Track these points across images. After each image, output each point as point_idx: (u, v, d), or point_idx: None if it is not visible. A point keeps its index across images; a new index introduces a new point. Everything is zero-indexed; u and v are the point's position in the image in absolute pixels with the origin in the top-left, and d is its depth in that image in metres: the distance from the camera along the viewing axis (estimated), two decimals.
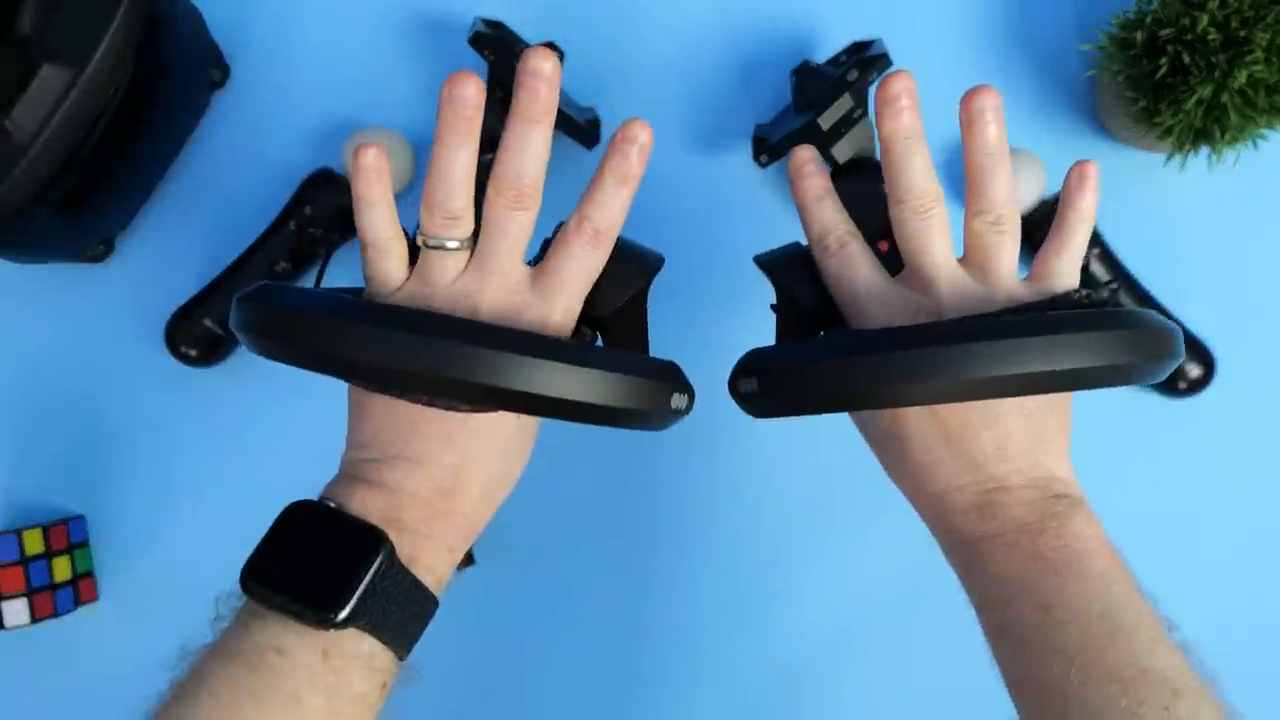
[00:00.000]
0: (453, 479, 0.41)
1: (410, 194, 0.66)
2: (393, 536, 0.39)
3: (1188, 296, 0.65)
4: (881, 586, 0.67)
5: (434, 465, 0.41)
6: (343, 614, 0.37)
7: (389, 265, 0.42)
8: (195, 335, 0.65)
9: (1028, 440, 0.41)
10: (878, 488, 0.66)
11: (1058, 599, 0.39)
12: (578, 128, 0.62)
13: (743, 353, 0.44)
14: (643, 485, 0.67)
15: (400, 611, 0.39)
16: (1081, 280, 0.63)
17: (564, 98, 0.64)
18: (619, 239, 0.43)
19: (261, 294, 0.41)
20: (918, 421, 0.42)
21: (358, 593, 0.37)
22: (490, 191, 0.42)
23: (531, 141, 0.41)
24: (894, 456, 0.44)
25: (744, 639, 0.65)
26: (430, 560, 0.41)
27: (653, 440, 0.67)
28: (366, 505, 0.40)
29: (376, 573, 0.38)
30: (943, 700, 0.66)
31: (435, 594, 0.41)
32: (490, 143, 0.63)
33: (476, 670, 0.65)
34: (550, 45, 0.62)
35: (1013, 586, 0.40)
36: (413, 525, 0.40)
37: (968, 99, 0.43)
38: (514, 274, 0.42)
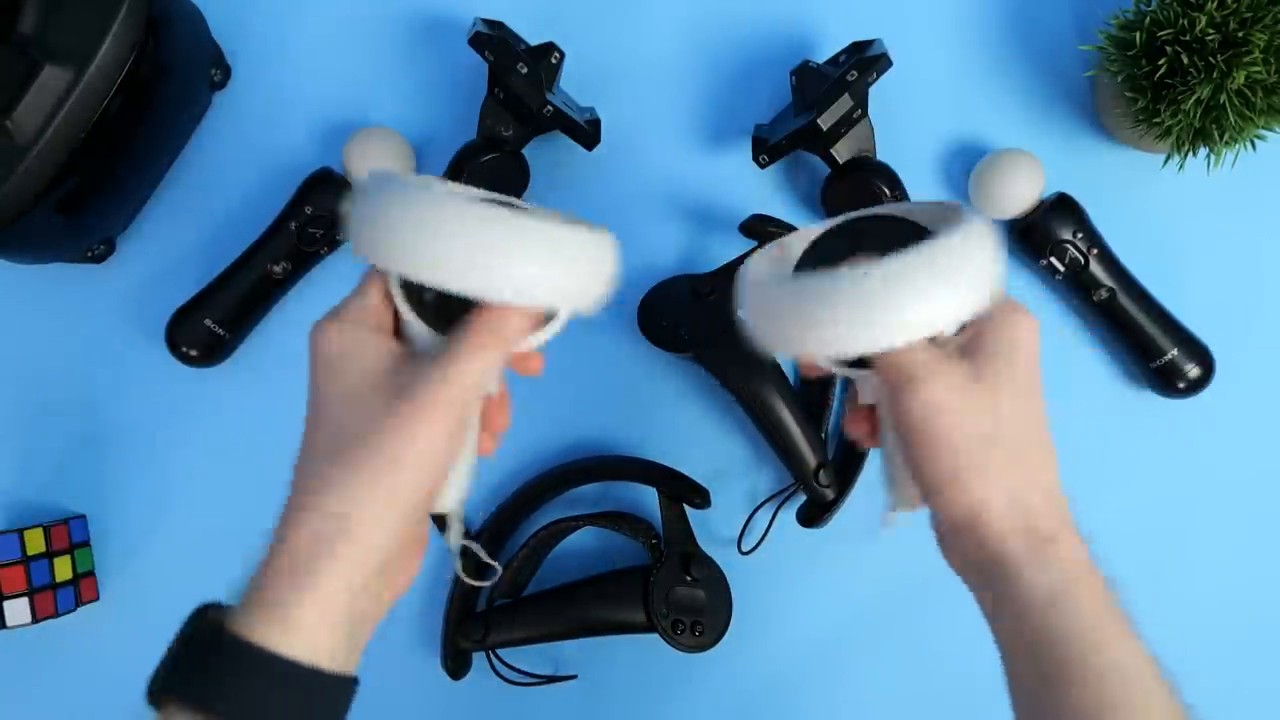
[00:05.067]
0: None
1: None
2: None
3: (1186, 297, 0.65)
4: (880, 589, 0.67)
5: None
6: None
7: None
8: (195, 335, 0.65)
9: None
10: (870, 493, 0.66)
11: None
12: (578, 128, 0.62)
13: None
14: (642, 487, 0.67)
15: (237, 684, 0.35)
16: (1081, 281, 0.64)
17: (564, 97, 0.64)
18: None
19: None
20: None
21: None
22: None
23: None
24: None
25: (742, 641, 0.65)
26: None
27: (653, 439, 0.67)
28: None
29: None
30: (939, 702, 0.66)
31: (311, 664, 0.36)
32: (491, 142, 0.63)
33: (476, 668, 0.65)
34: (550, 45, 0.63)
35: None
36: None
37: None
38: None
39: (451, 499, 0.43)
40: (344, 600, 0.37)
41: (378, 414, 0.38)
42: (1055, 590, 0.38)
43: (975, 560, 0.39)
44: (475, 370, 0.38)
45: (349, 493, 0.37)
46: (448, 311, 0.41)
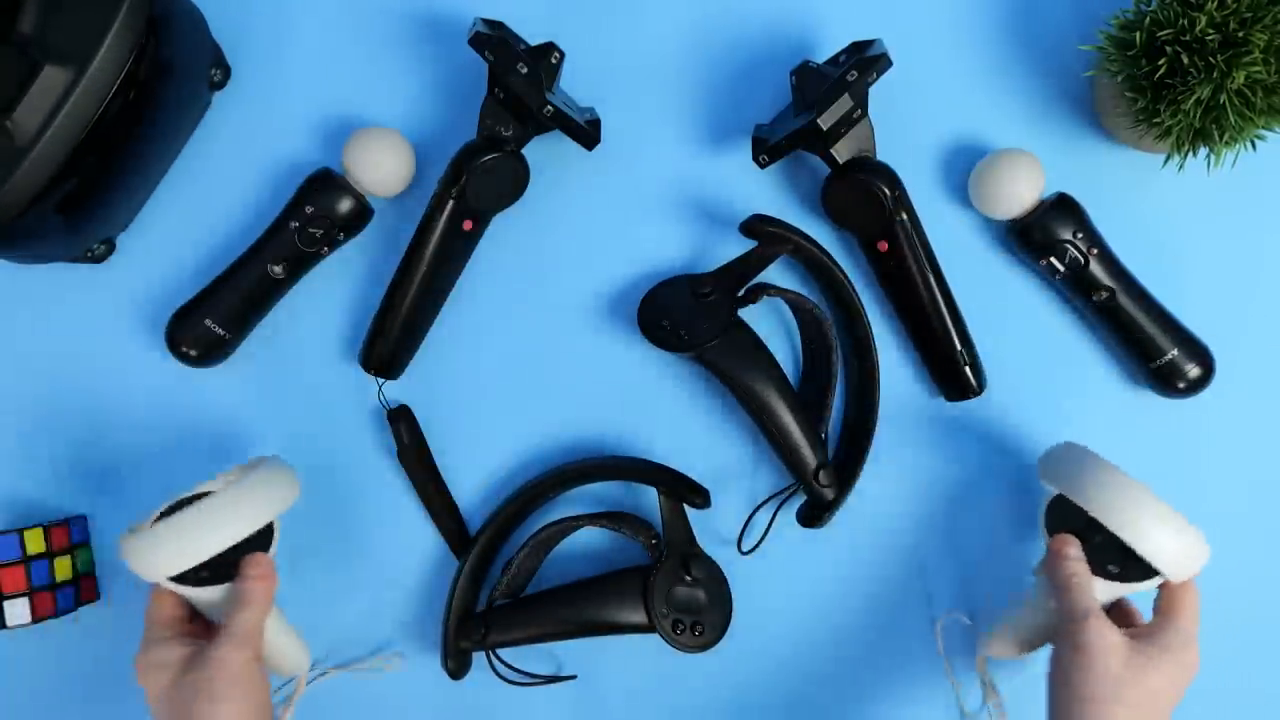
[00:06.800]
0: None
1: (411, 194, 0.66)
2: None
3: (1186, 297, 0.65)
4: (880, 589, 0.67)
5: None
6: None
7: None
8: (195, 335, 0.65)
9: None
10: (870, 493, 0.66)
11: None
12: (578, 128, 0.62)
13: None
14: (642, 488, 0.67)
15: None
16: (1081, 281, 0.63)
17: (564, 97, 0.64)
18: None
19: None
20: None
21: None
22: None
23: None
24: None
25: (742, 641, 0.65)
26: None
27: (653, 439, 0.67)
28: None
29: None
30: (939, 702, 0.66)
31: None
32: (491, 142, 0.63)
33: (476, 667, 0.65)
34: (550, 45, 0.63)
35: None
36: None
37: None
38: None
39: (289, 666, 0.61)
40: None
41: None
42: None
43: None
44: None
45: None
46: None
